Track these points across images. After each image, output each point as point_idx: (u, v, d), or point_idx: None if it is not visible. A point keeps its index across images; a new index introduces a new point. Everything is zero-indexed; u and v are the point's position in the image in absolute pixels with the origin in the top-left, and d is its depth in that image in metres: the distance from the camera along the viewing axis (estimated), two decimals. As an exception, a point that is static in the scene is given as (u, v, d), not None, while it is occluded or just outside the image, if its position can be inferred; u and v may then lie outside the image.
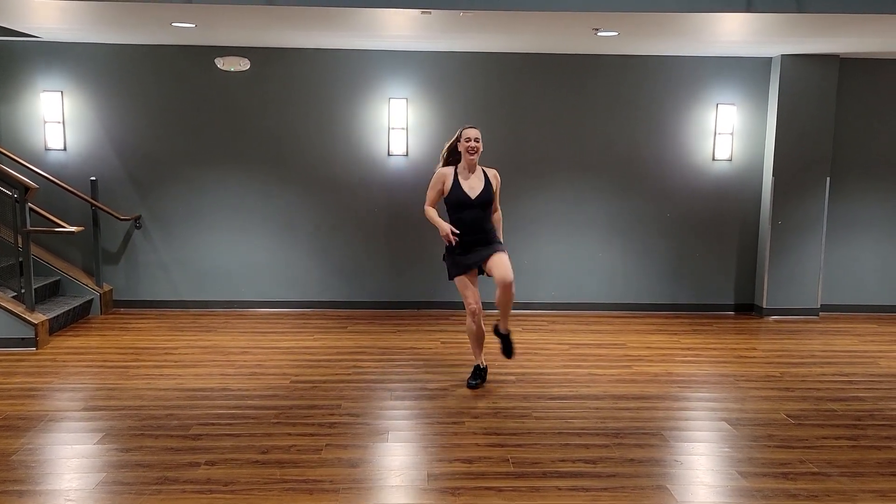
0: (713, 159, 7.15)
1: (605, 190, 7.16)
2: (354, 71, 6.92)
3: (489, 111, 6.92)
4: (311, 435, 4.19)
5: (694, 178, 7.17)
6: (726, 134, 7.10)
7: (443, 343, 6.13)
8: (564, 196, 7.15)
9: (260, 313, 7.08)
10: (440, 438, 4.18)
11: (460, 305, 6.19)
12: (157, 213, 7.07)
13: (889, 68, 7.07)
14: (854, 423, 4.50)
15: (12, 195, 5.94)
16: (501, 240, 4.96)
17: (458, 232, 4.77)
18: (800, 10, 4.78)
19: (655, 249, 7.26)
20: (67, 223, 6.50)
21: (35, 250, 6.52)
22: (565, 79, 7.00)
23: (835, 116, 6.98)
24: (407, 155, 7.03)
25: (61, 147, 6.91)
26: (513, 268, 4.76)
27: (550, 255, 7.21)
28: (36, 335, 5.79)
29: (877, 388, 5.15)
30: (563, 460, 3.90)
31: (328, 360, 5.61)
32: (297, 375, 5.25)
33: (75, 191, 6.75)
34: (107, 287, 7.04)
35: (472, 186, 4.84)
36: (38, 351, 5.76)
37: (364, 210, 7.12)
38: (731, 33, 5.75)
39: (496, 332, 5.05)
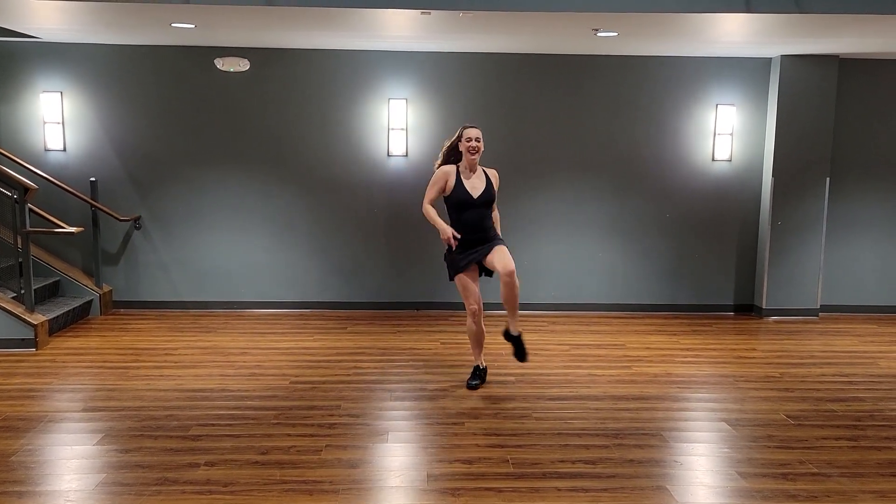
0: (713, 160, 7.15)
1: (605, 190, 7.16)
2: (354, 71, 6.92)
3: (489, 112, 6.92)
4: (311, 436, 4.19)
5: (694, 179, 7.17)
6: (726, 134, 7.10)
7: (442, 343, 6.12)
8: (564, 196, 7.15)
9: (259, 314, 7.08)
10: (440, 439, 4.18)
11: (460, 306, 6.19)
12: (156, 213, 7.07)
13: (889, 69, 7.07)
14: (854, 423, 4.50)
15: (12, 196, 5.94)
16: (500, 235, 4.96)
17: (458, 236, 4.77)
18: (799, 11, 4.78)
19: (655, 250, 7.26)
20: (67, 224, 6.50)
21: (35, 251, 6.52)
22: (565, 79, 7.00)
23: (834, 117, 6.99)
24: (406, 155, 7.03)
25: (61, 148, 6.91)
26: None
27: (550, 255, 7.21)
28: (35, 336, 5.78)
29: (876, 389, 5.15)
30: (562, 461, 3.89)
31: (328, 361, 5.61)
32: (296, 376, 5.25)
33: (75, 191, 6.75)
34: (106, 288, 7.04)
35: (474, 186, 4.83)
36: (38, 352, 5.76)
37: (364, 210, 7.12)
38: (731, 34, 5.75)
39: (507, 336, 4.94)
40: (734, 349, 6.11)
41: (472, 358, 5.15)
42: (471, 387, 5.00)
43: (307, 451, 3.97)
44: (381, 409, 4.67)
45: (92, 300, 6.84)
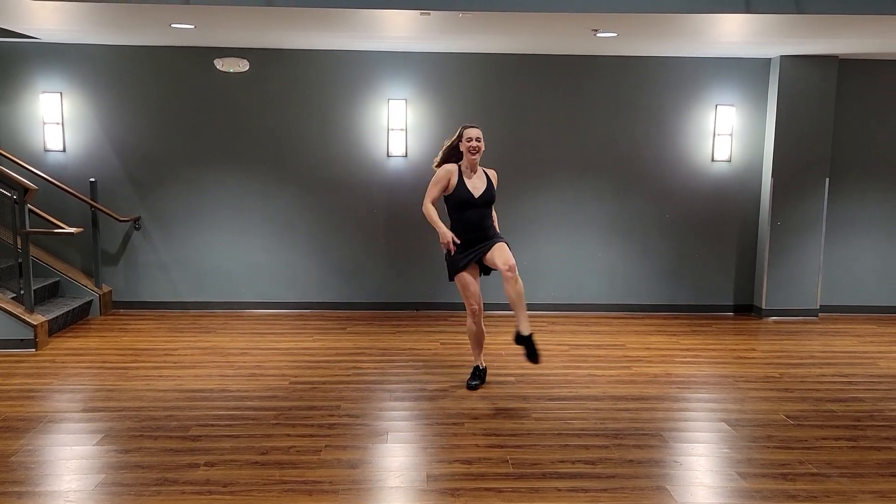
0: (712, 160, 7.15)
1: (605, 190, 7.16)
2: (354, 72, 6.92)
3: (488, 112, 6.92)
4: (311, 436, 4.19)
5: (693, 179, 7.18)
6: (725, 135, 7.10)
7: (442, 344, 6.12)
8: (564, 196, 7.15)
9: (259, 314, 7.08)
10: (440, 439, 4.18)
11: (459, 306, 6.20)
12: (156, 213, 7.07)
13: (888, 69, 7.07)
14: (853, 423, 4.50)
15: (11, 196, 5.94)
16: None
17: (458, 242, 4.75)
18: (799, 11, 4.78)
19: (655, 250, 7.26)
20: (67, 224, 6.51)
21: (34, 251, 6.52)
22: (564, 80, 7.00)
23: (834, 117, 6.99)
24: (406, 156, 7.03)
25: (60, 148, 6.91)
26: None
27: (550, 255, 7.22)
28: (35, 336, 5.78)
29: (876, 389, 5.15)
30: (562, 461, 3.89)
31: (327, 361, 5.61)
32: (296, 376, 5.25)
33: (74, 192, 6.74)
34: (106, 288, 7.04)
35: (476, 186, 4.83)
36: (38, 352, 5.76)
37: (363, 211, 7.12)
38: (731, 34, 5.75)
39: (518, 339, 4.68)
40: (734, 349, 6.11)
41: (472, 358, 5.15)
42: (471, 387, 5.00)
43: (307, 452, 3.97)
44: (380, 409, 4.67)
45: (91, 301, 6.84)
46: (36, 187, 6.07)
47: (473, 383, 5.02)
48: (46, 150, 6.90)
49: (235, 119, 6.97)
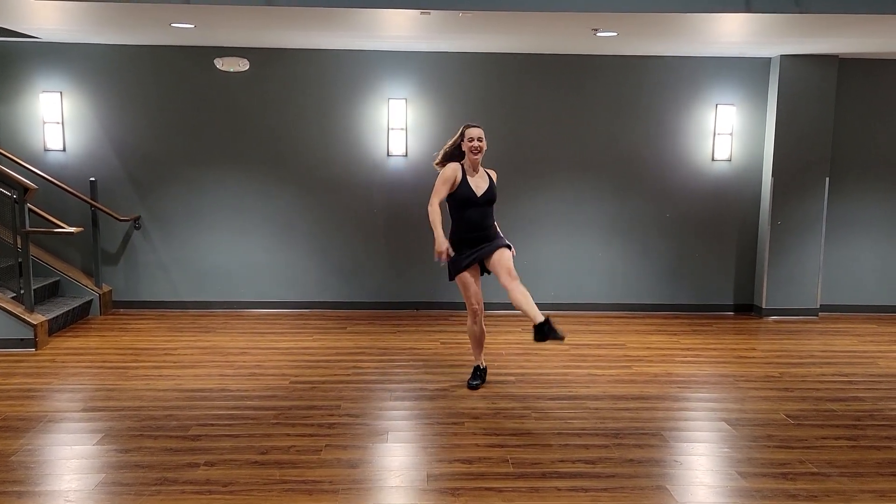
0: (712, 160, 7.15)
1: (605, 190, 7.16)
2: (354, 71, 6.92)
3: (489, 112, 6.91)
4: (311, 436, 4.19)
5: (693, 179, 7.18)
6: (725, 134, 7.10)
7: (442, 343, 6.12)
8: (564, 196, 7.15)
9: (259, 314, 7.08)
10: (440, 439, 4.17)
11: (460, 306, 6.20)
12: (156, 213, 7.07)
13: (888, 69, 7.07)
14: (853, 423, 4.50)
15: (11, 196, 5.94)
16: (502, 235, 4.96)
17: (452, 253, 4.75)
18: (799, 11, 4.78)
19: (655, 250, 7.26)
20: (67, 224, 6.50)
21: (34, 251, 6.52)
22: (564, 79, 7.00)
23: (834, 117, 6.99)
24: (406, 155, 7.03)
25: (60, 148, 6.91)
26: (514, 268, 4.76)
27: (550, 255, 7.21)
28: (35, 336, 5.78)
29: (876, 389, 5.15)
30: (562, 461, 3.89)
31: (327, 361, 5.61)
32: (296, 376, 5.25)
33: (74, 191, 6.74)
34: (106, 288, 7.04)
35: (478, 185, 4.83)
36: (38, 352, 5.76)
37: (363, 210, 7.12)
38: (731, 34, 5.75)
39: (536, 334, 4.46)
40: (734, 349, 6.11)
41: (472, 358, 5.15)
42: (471, 387, 5.00)
43: (307, 451, 3.97)
44: (380, 408, 4.67)
45: (91, 300, 6.84)
46: (36, 187, 6.07)
47: (474, 383, 5.02)
48: (46, 150, 6.90)
49: (235, 119, 6.96)
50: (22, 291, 5.92)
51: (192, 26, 5.67)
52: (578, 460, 3.90)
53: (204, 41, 6.55)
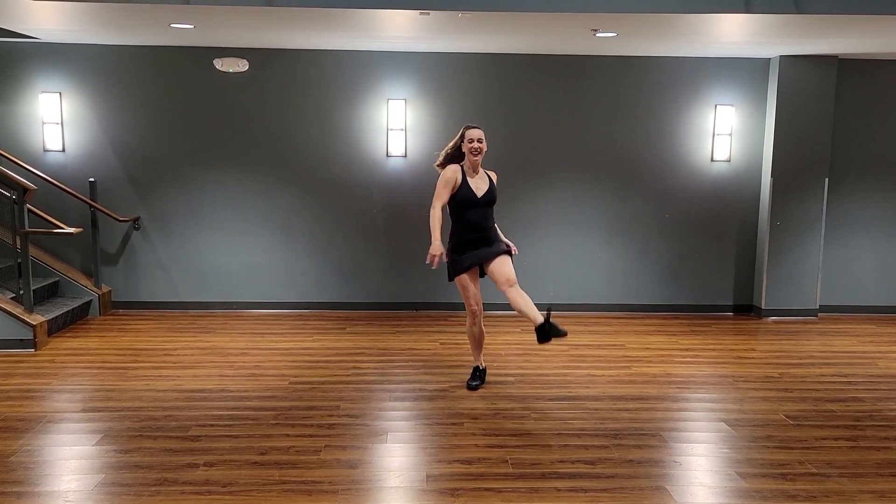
0: (712, 160, 7.15)
1: (605, 190, 7.16)
2: (353, 72, 6.92)
3: (488, 112, 6.91)
4: (310, 436, 4.19)
5: (693, 179, 7.18)
6: (725, 135, 7.10)
7: (442, 344, 6.12)
8: (564, 196, 7.15)
9: (259, 314, 7.08)
10: (439, 439, 4.17)
11: (459, 306, 6.20)
12: (155, 214, 7.06)
13: (888, 69, 7.08)
14: (853, 423, 4.50)
15: (11, 196, 5.94)
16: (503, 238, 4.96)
17: (445, 260, 4.77)
18: (798, 11, 4.78)
19: (654, 250, 7.26)
20: (66, 224, 6.50)
21: (34, 251, 6.52)
22: (564, 80, 7.00)
23: (833, 117, 6.99)
24: (405, 156, 7.03)
25: (60, 148, 6.90)
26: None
27: (550, 255, 7.21)
28: (34, 336, 5.78)
29: (876, 389, 5.15)
30: (562, 461, 3.89)
31: (327, 361, 5.61)
32: (295, 376, 5.25)
33: (74, 192, 6.74)
34: (105, 288, 7.03)
35: (478, 186, 4.83)
36: (37, 352, 5.76)
37: (363, 210, 7.12)
38: (730, 34, 5.75)
39: (539, 335, 4.50)
40: (733, 349, 6.11)
41: (472, 358, 5.15)
42: (470, 387, 5.00)
43: (306, 452, 3.97)
44: (380, 409, 4.67)
45: (91, 301, 6.84)
46: (35, 187, 6.07)
47: (473, 383, 5.02)
48: (46, 150, 6.90)
49: (235, 119, 6.96)
50: (21, 292, 5.92)
51: (192, 27, 5.67)
52: (578, 461, 3.90)
53: (203, 41, 6.55)
